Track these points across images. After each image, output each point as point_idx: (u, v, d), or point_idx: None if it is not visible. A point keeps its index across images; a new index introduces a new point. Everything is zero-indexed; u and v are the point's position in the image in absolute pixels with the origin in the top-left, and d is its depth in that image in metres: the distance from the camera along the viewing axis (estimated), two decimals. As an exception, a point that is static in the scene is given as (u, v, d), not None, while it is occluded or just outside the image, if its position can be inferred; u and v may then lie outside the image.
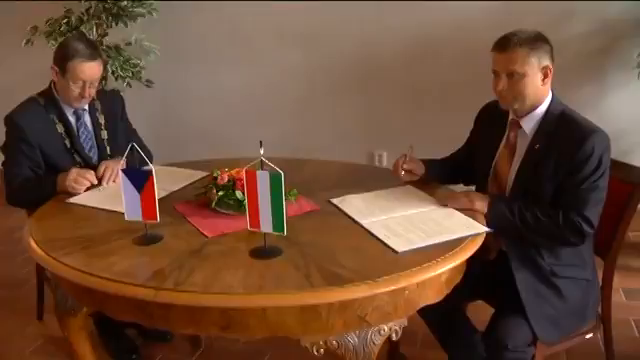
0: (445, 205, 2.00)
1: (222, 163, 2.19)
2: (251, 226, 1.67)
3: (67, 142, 2.43)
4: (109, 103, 2.57)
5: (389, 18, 3.70)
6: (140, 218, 1.78)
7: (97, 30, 3.67)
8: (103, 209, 2.06)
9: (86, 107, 2.49)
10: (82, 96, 2.37)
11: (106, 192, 2.24)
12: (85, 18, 3.64)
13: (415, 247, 1.70)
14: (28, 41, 3.64)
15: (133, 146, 1.76)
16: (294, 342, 1.59)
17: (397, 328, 1.64)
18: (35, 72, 4.19)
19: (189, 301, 1.52)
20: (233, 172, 1.98)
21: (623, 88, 3.42)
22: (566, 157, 1.88)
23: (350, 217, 1.93)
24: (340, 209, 1.99)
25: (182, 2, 3.91)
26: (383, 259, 1.66)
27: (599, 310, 2.10)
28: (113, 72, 3.63)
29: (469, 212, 1.93)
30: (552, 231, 1.88)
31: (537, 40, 1.90)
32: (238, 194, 1.91)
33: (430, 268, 1.61)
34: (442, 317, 2.11)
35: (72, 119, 2.46)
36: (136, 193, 1.76)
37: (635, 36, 3.29)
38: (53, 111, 2.42)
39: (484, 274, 2.00)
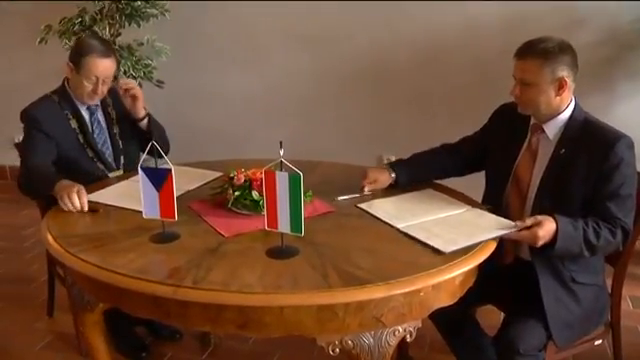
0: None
1: (233, 164, 2.21)
2: (268, 226, 1.69)
3: (80, 137, 2.47)
4: (121, 99, 2.59)
5: (398, 22, 3.72)
6: (158, 216, 1.80)
7: (110, 30, 3.70)
8: (120, 207, 2.08)
9: (99, 103, 2.52)
10: (95, 92, 2.41)
11: (122, 190, 2.26)
12: (98, 18, 3.66)
13: (460, 247, 1.72)
14: (42, 40, 3.67)
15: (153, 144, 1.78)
16: (303, 343, 1.61)
17: (412, 329, 1.65)
18: (49, 70, 4.22)
19: (208, 299, 1.54)
20: (249, 172, 2.00)
21: (632, 98, 3.43)
22: (596, 162, 1.88)
23: (384, 221, 1.93)
24: (371, 214, 2.00)
25: (194, 3, 3.94)
26: (399, 260, 1.68)
27: (608, 317, 2.12)
28: (125, 72, 3.65)
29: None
30: (610, 242, 1.87)
31: (555, 51, 1.89)
32: (254, 194, 1.93)
33: (445, 271, 1.63)
34: (452, 320, 2.13)
35: (86, 115, 2.50)
36: (155, 191, 1.78)
37: (645, 46, 3.32)
38: (67, 107, 2.46)
39: (496, 278, 2.02)
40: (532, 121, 2.06)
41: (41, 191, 2.25)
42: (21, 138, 2.48)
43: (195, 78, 4.14)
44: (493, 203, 2.10)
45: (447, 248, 1.72)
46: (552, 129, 2.00)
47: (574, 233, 1.84)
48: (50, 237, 1.87)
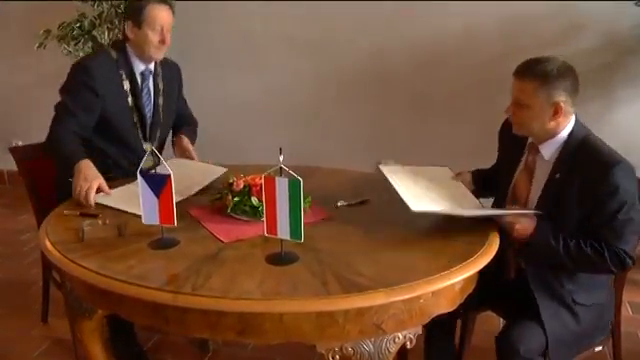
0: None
1: (233, 169, 2.21)
2: (268, 232, 1.69)
3: (130, 100, 2.46)
4: (169, 71, 2.63)
5: (398, 26, 3.74)
6: (157, 222, 1.79)
7: (109, 35, 3.70)
8: (119, 209, 2.08)
9: (152, 69, 2.52)
10: (162, 42, 2.40)
11: (122, 194, 2.25)
12: (97, 22, 3.66)
13: (428, 209, 1.90)
14: (41, 44, 3.67)
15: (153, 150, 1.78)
16: (303, 349, 1.60)
17: (411, 336, 1.65)
18: (48, 74, 4.26)
19: (208, 305, 1.53)
20: (249, 178, 2.00)
21: (631, 104, 3.45)
22: (590, 189, 1.85)
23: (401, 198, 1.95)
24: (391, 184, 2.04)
25: (194, 8, 3.94)
26: (398, 267, 1.68)
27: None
28: (124, 76, 3.65)
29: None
30: (594, 262, 1.85)
31: (553, 74, 1.85)
32: (254, 200, 1.93)
33: (445, 277, 1.62)
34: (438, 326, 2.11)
35: (139, 79, 2.50)
36: (154, 197, 1.77)
37: (644, 51, 3.32)
38: (123, 67, 2.45)
39: (495, 285, 2.01)
40: (529, 139, 2.03)
41: (58, 167, 2.33)
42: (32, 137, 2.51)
43: (194, 82, 4.10)
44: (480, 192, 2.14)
45: (415, 207, 1.87)
46: (548, 150, 1.96)
47: (551, 238, 1.86)
48: (48, 243, 1.86)
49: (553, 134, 1.93)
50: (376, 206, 2.13)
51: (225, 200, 1.99)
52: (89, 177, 2.16)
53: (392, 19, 3.73)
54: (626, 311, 2.86)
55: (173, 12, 2.45)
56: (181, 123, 2.75)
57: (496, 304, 2.16)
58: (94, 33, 3.65)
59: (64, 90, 2.43)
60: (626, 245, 1.85)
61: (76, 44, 3.63)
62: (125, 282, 1.60)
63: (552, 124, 1.90)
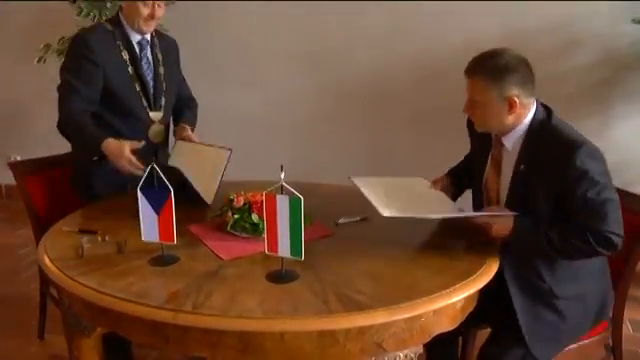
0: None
1: (233, 186, 2.20)
2: (268, 250, 1.68)
3: (130, 69, 2.48)
4: (166, 45, 2.66)
5: (398, 42, 3.75)
6: (157, 239, 1.79)
7: (108, 49, 3.70)
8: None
9: (148, 39, 2.55)
10: (152, 16, 2.43)
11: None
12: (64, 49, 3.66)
13: (400, 215, 1.89)
14: (40, 59, 3.67)
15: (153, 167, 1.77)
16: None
17: (412, 355, 1.64)
18: (47, 88, 4.25)
19: (208, 324, 1.52)
20: (249, 195, 2.00)
21: (628, 119, 3.46)
22: (555, 176, 1.82)
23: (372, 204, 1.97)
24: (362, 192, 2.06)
25: (191, 22, 3.95)
26: (399, 285, 1.67)
27: (610, 312, 2.09)
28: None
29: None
30: (581, 248, 1.82)
31: (501, 70, 1.83)
32: (254, 217, 1.92)
33: (446, 295, 1.62)
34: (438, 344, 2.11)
35: (136, 48, 2.52)
36: (154, 214, 1.77)
37: (640, 68, 3.34)
38: (120, 38, 2.48)
39: (497, 302, 2.01)
40: (494, 132, 2.01)
41: (87, 153, 2.38)
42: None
43: (194, 95, 4.14)
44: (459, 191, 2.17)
45: (386, 212, 1.88)
46: (510, 141, 1.94)
47: (531, 233, 1.84)
48: (47, 259, 1.85)
49: (513, 127, 1.91)
50: (377, 223, 2.12)
51: (225, 217, 1.98)
52: (121, 152, 2.25)
53: (391, 34, 3.75)
54: (627, 329, 2.85)
55: None
56: (181, 106, 2.77)
57: (489, 318, 2.15)
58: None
59: (64, 68, 2.47)
60: (610, 225, 1.80)
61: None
62: (125, 300, 1.59)
63: (510, 118, 1.88)
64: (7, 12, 4.29)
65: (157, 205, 1.75)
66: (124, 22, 2.49)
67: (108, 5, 3.58)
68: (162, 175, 1.74)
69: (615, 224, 1.81)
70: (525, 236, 1.86)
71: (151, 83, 2.56)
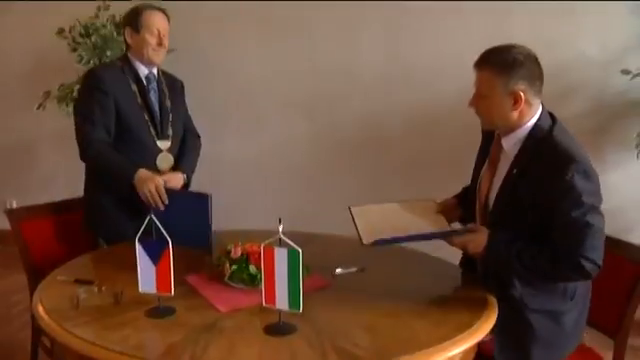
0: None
1: (230, 235, 2.20)
2: (266, 302, 1.67)
3: (139, 99, 2.58)
4: (172, 82, 2.79)
5: (394, 91, 3.81)
6: (154, 291, 1.78)
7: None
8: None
9: (155, 74, 2.66)
10: (160, 45, 2.56)
11: None
12: (77, 88, 3.72)
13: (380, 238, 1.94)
14: (40, 105, 3.71)
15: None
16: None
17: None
18: (46, 135, 4.30)
19: (205, 378, 1.50)
20: (247, 246, 2.00)
21: (622, 167, 3.49)
22: (543, 186, 1.80)
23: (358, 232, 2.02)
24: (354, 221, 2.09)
25: (190, 69, 4.00)
26: (398, 338, 1.66)
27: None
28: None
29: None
30: (547, 271, 1.81)
31: (510, 63, 1.83)
32: (252, 269, 1.92)
33: (445, 348, 1.61)
34: None
35: (144, 82, 2.62)
36: (151, 265, 1.76)
37: (633, 116, 3.39)
38: (129, 73, 2.60)
39: None
40: (497, 131, 2.01)
41: (117, 185, 2.48)
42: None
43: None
44: (469, 213, 2.11)
45: (366, 240, 1.95)
46: (509, 143, 1.93)
47: (503, 250, 1.83)
48: (42, 310, 1.83)
49: (517, 126, 1.90)
50: (375, 274, 2.13)
51: (223, 268, 1.98)
52: (151, 179, 2.39)
53: (387, 82, 3.81)
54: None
55: (168, 19, 2.61)
56: (184, 147, 2.82)
57: None
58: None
59: (79, 102, 2.63)
60: (586, 250, 1.76)
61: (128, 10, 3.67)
62: (122, 353, 1.57)
63: (514, 114, 1.87)
64: (8, 58, 4.35)
65: (155, 256, 1.75)
66: (132, 58, 2.61)
67: (108, 53, 3.64)
68: (160, 226, 1.74)
69: (592, 250, 1.77)
70: (497, 254, 1.86)
71: (158, 113, 2.64)
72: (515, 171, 1.89)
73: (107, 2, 3.73)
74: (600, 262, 1.79)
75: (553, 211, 1.80)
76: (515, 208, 1.88)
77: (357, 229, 2.04)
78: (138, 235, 1.77)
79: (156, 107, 2.64)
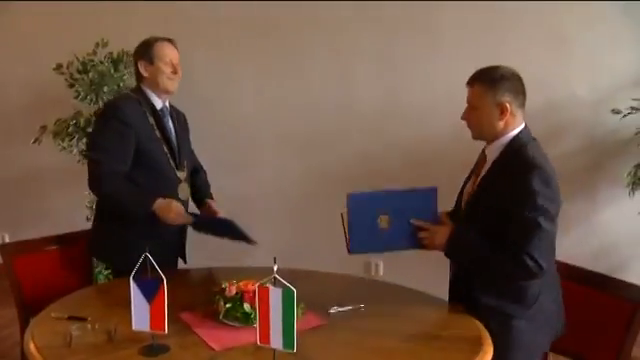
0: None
1: (224, 272, 2.20)
2: (261, 341, 1.67)
3: (157, 132, 2.60)
4: (178, 115, 2.81)
5: (390, 127, 3.84)
6: (148, 328, 1.77)
7: (103, 131, 3.77)
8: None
9: (167, 106, 2.69)
10: (174, 73, 2.61)
11: None
12: (93, 119, 3.74)
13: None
14: (36, 140, 3.72)
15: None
16: None
17: None
18: (40, 169, 4.30)
19: (198, 420, 1.49)
20: (241, 284, 1.99)
21: (614, 204, 3.50)
22: (505, 190, 2.00)
23: None
24: None
25: (185, 102, 4.03)
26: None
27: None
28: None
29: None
30: (498, 265, 2.01)
31: (497, 79, 2.08)
32: (246, 307, 1.91)
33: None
34: None
35: (160, 114, 2.65)
36: (145, 303, 1.76)
37: (624, 154, 3.42)
38: (145, 105, 2.60)
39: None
40: (485, 145, 2.22)
41: (133, 212, 2.47)
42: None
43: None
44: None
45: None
46: (490, 151, 2.15)
47: (464, 242, 2.08)
48: (33, 347, 1.81)
49: (501, 134, 2.11)
50: (370, 313, 2.12)
51: (217, 306, 1.97)
52: (169, 206, 2.46)
53: (383, 118, 3.84)
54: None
55: (177, 49, 2.66)
56: (197, 179, 2.92)
57: None
58: (88, 130, 3.71)
59: (96, 132, 2.62)
60: (531, 249, 1.94)
61: (70, 140, 3.69)
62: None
63: (500, 124, 2.10)
64: (6, 92, 4.38)
65: (149, 294, 1.75)
66: (147, 90, 2.63)
67: (105, 89, 3.67)
68: (155, 264, 1.74)
69: (537, 251, 1.95)
70: (458, 245, 2.10)
71: (175, 144, 2.68)
72: (489, 176, 2.12)
73: (105, 39, 3.77)
74: (543, 264, 1.97)
75: (511, 213, 1.99)
76: (483, 209, 2.08)
77: (345, 231, 2.24)
78: (133, 273, 1.77)
79: (173, 138, 2.68)
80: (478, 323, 2.02)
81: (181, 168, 2.69)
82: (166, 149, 2.63)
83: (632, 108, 3.27)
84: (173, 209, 2.46)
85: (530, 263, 1.95)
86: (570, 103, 3.54)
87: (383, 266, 3.94)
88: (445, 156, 3.73)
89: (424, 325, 2.07)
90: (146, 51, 2.60)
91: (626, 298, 2.09)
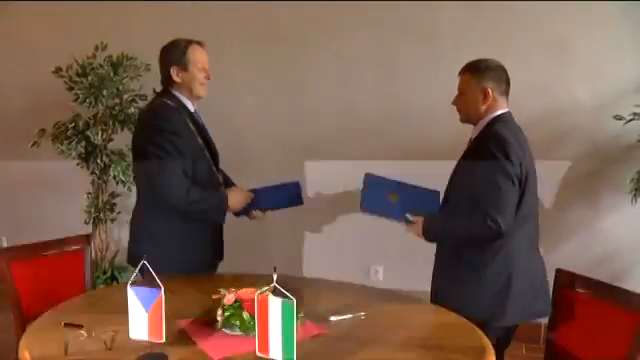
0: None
1: (224, 280, 2.17)
2: (260, 351, 1.65)
3: (199, 139, 2.57)
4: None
5: (391, 131, 3.81)
6: (145, 337, 1.75)
7: (102, 135, 3.75)
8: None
9: (196, 109, 2.65)
10: (207, 78, 2.58)
11: None
12: (92, 123, 3.72)
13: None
14: (34, 143, 3.70)
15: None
16: None
17: None
18: (38, 172, 4.27)
19: None
20: (240, 292, 1.96)
21: (616, 211, 3.49)
22: (475, 162, 2.28)
23: None
24: None
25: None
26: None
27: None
28: (114, 177, 3.67)
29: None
30: (471, 231, 2.24)
31: (483, 68, 2.36)
32: (245, 316, 1.88)
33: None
34: None
35: (197, 119, 2.62)
36: (143, 311, 1.73)
37: (627, 160, 3.41)
38: (183, 111, 2.55)
39: None
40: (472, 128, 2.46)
41: (212, 215, 2.55)
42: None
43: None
44: None
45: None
46: (474, 132, 2.41)
47: (439, 230, 2.37)
48: (28, 356, 1.78)
49: (483, 116, 2.37)
50: (370, 321, 2.09)
51: (215, 314, 1.94)
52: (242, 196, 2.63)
53: (381, 125, 3.82)
54: None
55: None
56: None
57: None
58: (87, 133, 3.70)
59: (150, 147, 2.46)
60: (492, 210, 2.17)
61: (69, 143, 3.67)
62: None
63: (483, 107, 2.37)
64: (6, 95, 4.36)
65: (147, 302, 1.73)
66: (179, 96, 2.57)
67: (104, 93, 3.65)
68: (152, 271, 1.72)
69: (496, 211, 2.18)
70: (432, 232, 2.37)
71: (213, 146, 2.67)
72: (467, 153, 2.40)
73: (104, 42, 3.75)
74: (502, 223, 2.17)
75: (474, 177, 2.26)
76: (459, 184, 2.38)
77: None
78: (130, 281, 1.75)
79: (211, 141, 2.67)
80: (480, 333, 1.99)
81: (219, 171, 2.70)
82: (208, 155, 2.61)
83: (635, 114, 3.26)
84: (240, 195, 2.60)
85: (489, 222, 2.17)
86: (572, 109, 3.52)
87: (383, 271, 3.90)
88: (447, 160, 3.69)
89: (426, 334, 2.05)
90: (179, 57, 2.54)
91: (632, 307, 2.06)
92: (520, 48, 3.52)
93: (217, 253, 2.76)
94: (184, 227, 2.54)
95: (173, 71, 2.54)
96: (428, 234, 2.37)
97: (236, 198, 2.59)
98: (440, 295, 2.39)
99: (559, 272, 2.37)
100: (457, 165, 2.44)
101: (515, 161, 2.22)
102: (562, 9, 3.44)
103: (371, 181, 2.51)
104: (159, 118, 2.50)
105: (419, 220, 2.39)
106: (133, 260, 2.65)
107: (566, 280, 2.34)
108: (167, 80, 2.58)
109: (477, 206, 2.21)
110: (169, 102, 2.55)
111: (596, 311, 2.22)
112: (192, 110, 2.62)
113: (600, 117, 3.45)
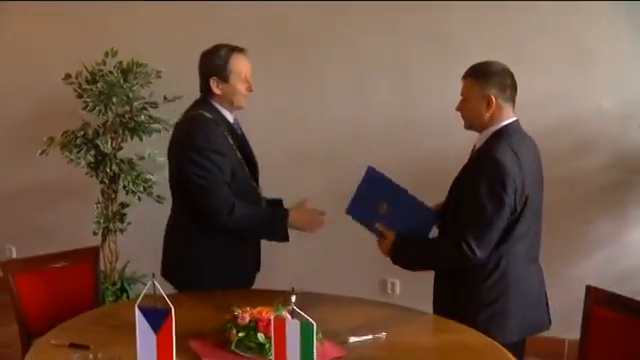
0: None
1: (237, 297, 2.08)
2: (277, 376, 1.54)
3: (238, 152, 2.45)
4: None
5: (406, 140, 3.72)
6: (154, 360, 1.65)
7: (112, 143, 3.67)
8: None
9: (236, 119, 2.53)
10: (249, 90, 2.43)
11: None
12: (101, 131, 3.65)
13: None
14: (43, 151, 3.63)
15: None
16: None
17: None
18: (47, 180, 4.21)
19: None
20: (255, 312, 1.86)
21: (644, 223, 3.36)
22: (471, 177, 2.17)
23: None
24: None
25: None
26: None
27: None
28: (124, 186, 3.59)
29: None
30: (442, 252, 2.19)
31: (486, 73, 2.21)
32: (260, 337, 1.78)
33: None
34: None
35: (237, 130, 2.51)
36: (152, 334, 1.64)
37: (653, 170, 3.29)
38: (222, 124, 2.42)
39: None
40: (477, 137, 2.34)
41: (269, 234, 2.52)
42: None
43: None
44: None
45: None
46: (479, 141, 2.27)
47: (407, 252, 2.29)
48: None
49: (488, 125, 2.23)
50: (391, 342, 1.99)
51: (229, 334, 1.84)
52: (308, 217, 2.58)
53: (396, 132, 3.73)
54: None
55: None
56: None
57: None
58: (97, 142, 3.62)
59: (194, 167, 2.34)
60: (469, 235, 2.08)
61: (78, 152, 3.59)
62: None
63: (487, 116, 2.22)
64: (15, 102, 4.30)
65: (156, 324, 1.63)
66: (217, 106, 2.45)
67: (114, 100, 3.57)
68: (162, 292, 1.62)
69: (472, 236, 2.08)
70: (402, 251, 2.29)
71: (252, 160, 2.56)
72: (468, 163, 2.28)
73: (115, 48, 3.68)
74: (478, 252, 2.09)
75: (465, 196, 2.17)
76: (458, 195, 2.25)
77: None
78: (138, 302, 1.65)
79: (251, 155, 2.56)
80: (507, 352, 1.89)
81: (258, 183, 2.59)
82: (247, 168, 2.50)
83: (662, 123, 3.14)
84: (311, 215, 2.55)
85: (464, 247, 2.07)
86: (595, 117, 3.40)
87: (399, 284, 3.79)
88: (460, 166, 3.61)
89: (449, 357, 1.93)
90: (220, 68, 2.39)
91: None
92: (537, 53, 3.42)
93: (257, 265, 2.67)
94: (226, 242, 2.44)
95: (213, 83, 2.40)
96: (396, 255, 2.28)
97: (304, 221, 2.53)
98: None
99: (589, 289, 2.28)
100: (456, 178, 2.32)
101: (510, 190, 2.09)
102: (583, 14, 3.34)
103: (370, 176, 2.44)
104: (197, 135, 2.37)
105: (391, 236, 2.29)
106: (170, 276, 2.52)
107: (596, 297, 2.25)
108: (206, 89, 2.45)
109: (456, 226, 2.14)
110: (206, 114, 2.40)
111: (628, 329, 2.15)
112: (231, 121, 2.49)
113: (625, 126, 3.33)
